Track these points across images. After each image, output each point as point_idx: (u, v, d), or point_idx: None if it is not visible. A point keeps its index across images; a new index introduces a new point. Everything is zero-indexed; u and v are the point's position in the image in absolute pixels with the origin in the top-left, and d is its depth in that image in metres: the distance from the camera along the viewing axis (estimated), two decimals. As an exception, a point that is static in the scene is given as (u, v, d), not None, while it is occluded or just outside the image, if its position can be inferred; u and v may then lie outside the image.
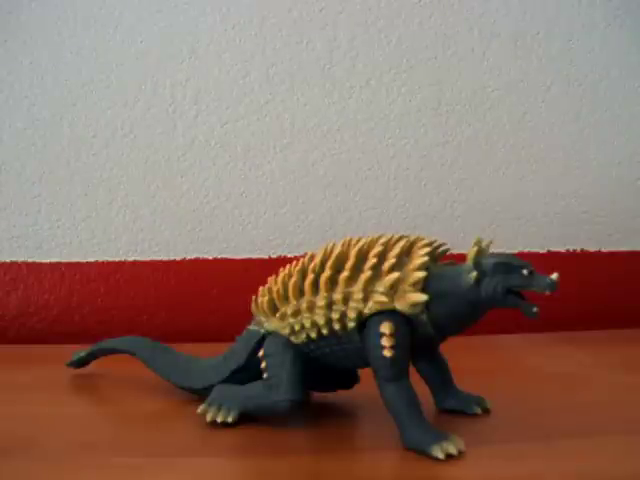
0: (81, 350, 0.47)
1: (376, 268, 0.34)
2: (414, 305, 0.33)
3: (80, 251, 0.63)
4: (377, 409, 0.37)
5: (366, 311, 0.34)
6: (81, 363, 0.47)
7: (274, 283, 0.38)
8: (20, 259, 0.63)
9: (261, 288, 0.39)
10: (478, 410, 0.38)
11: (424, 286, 0.34)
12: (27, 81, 0.62)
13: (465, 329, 0.35)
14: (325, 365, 0.37)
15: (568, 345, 0.56)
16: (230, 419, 0.37)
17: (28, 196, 0.63)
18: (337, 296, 0.35)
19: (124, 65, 0.63)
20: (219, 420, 0.36)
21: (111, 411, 0.40)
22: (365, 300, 0.34)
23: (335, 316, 0.35)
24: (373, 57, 0.64)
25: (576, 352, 0.54)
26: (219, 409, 0.37)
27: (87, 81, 0.62)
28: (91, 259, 0.63)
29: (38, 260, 0.63)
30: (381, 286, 0.34)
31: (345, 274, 0.35)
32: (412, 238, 0.36)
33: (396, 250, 0.35)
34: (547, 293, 0.32)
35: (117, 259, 0.63)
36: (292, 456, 0.33)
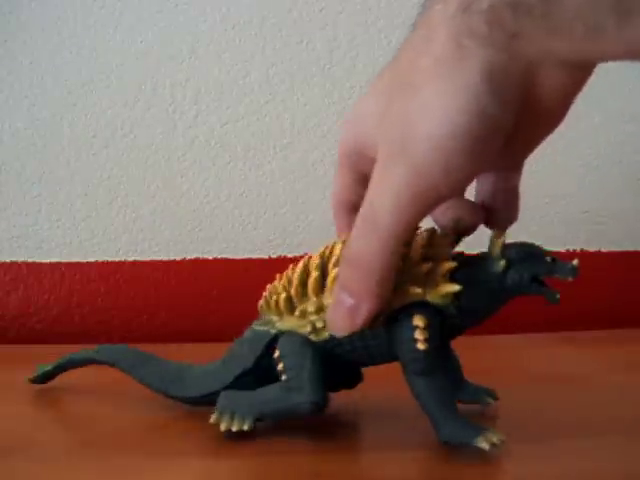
0: (47, 364, 0.43)
1: (405, 259, 0.33)
2: (446, 296, 0.33)
3: (80, 251, 0.63)
4: (379, 409, 0.37)
5: (397, 304, 0.33)
6: (46, 378, 0.43)
7: (287, 281, 0.36)
8: (20, 259, 0.63)
9: (270, 286, 0.37)
10: (490, 400, 0.39)
11: (452, 276, 0.33)
12: (27, 81, 0.62)
13: (486, 320, 0.35)
14: (341, 363, 0.36)
15: (568, 345, 0.56)
16: (246, 427, 0.34)
17: (28, 196, 0.63)
18: None
19: (124, 65, 0.62)
20: (234, 429, 0.34)
21: (111, 411, 0.40)
22: (395, 293, 0.33)
23: None
24: (373, 57, 0.64)
25: (576, 352, 0.54)
26: (232, 417, 0.35)
27: (87, 81, 0.62)
28: (91, 259, 0.63)
29: (38, 260, 0.63)
30: (412, 277, 0.33)
31: None
32: (429, 228, 0.35)
33: (421, 240, 0.33)
34: (570, 279, 0.33)
35: (117, 259, 0.63)
36: (292, 456, 0.33)
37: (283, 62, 0.63)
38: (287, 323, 0.36)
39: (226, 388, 0.37)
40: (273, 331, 0.36)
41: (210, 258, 0.64)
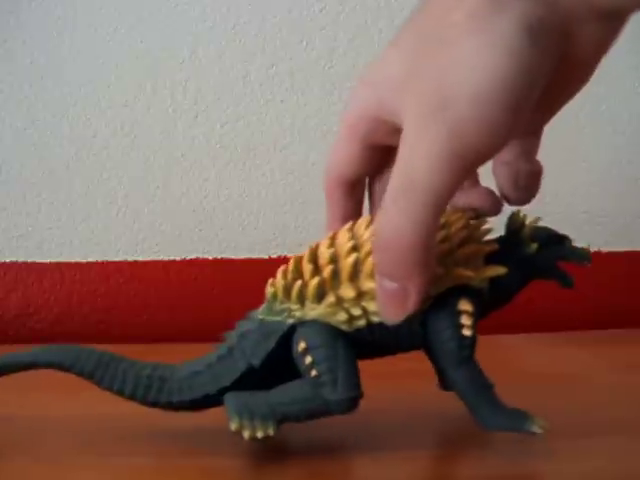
0: None
1: (446, 241, 0.32)
2: (486, 279, 0.32)
3: (80, 251, 0.63)
4: (373, 409, 0.37)
5: (442, 287, 0.31)
6: None
7: (313, 266, 0.32)
8: (20, 259, 0.63)
9: (284, 271, 0.33)
10: None
11: (487, 258, 0.33)
12: (27, 81, 0.62)
13: (507, 304, 0.35)
14: (364, 354, 0.33)
15: (568, 345, 0.56)
16: (271, 431, 0.31)
17: (28, 196, 0.63)
18: None
19: (124, 65, 0.62)
20: (260, 436, 0.31)
21: (111, 411, 0.40)
22: (445, 275, 0.31)
23: None
24: (373, 57, 0.64)
25: (576, 352, 0.53)
26: (252, 422, 0.31)
27: (87, 81, 0.62)
28: (91, 259, 0.63)
29: (38, 260, 0.63)
30: (457, 260, 0.32)
31: None
32: (456, 210, 0.34)
33: (459, 223, 0.32)
34: (585, 263, 0.34)
35: (117, 259, 0.63)
36: (290, 456, 0.33)
37: (283, 62, 0.63)
38: (312, 312, 0.32)
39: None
40: (290, 321, 0.32)
41: (210, 258, 0.64)
